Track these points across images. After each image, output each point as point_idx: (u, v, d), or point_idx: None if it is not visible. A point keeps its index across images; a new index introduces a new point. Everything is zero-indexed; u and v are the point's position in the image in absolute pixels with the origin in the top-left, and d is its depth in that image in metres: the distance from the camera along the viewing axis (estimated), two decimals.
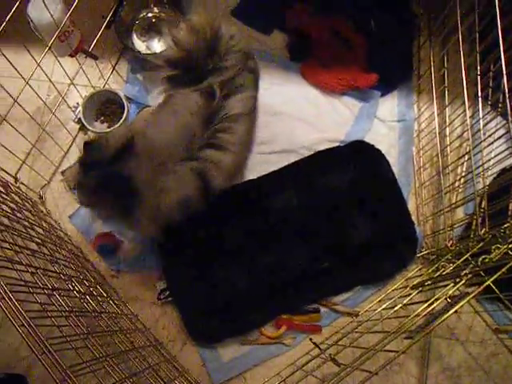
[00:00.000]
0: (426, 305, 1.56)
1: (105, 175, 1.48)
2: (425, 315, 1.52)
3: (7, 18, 1.46)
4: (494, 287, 1.63)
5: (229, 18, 2.35)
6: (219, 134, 1.59)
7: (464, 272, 1.53)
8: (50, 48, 1.73)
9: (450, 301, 1.45)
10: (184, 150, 1.55)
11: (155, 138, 1.55)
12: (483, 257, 1.52)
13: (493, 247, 1.51)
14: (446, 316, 1.28)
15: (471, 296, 1.31)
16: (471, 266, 1.55)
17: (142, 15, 2.29)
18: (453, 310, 1.28)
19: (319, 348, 1.83)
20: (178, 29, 1.68)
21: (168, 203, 1.56)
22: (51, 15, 1.67)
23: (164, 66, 1.73)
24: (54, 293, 1.33)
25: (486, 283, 1.36)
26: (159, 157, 1.52)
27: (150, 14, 2.30)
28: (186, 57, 1.66)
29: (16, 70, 1.60)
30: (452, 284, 1.53)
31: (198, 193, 1.60)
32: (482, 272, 1.51)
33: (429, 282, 1.79)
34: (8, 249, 1.30)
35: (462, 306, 1.31)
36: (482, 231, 1.67)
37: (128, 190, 1.48)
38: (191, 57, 1.65)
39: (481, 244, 1.65)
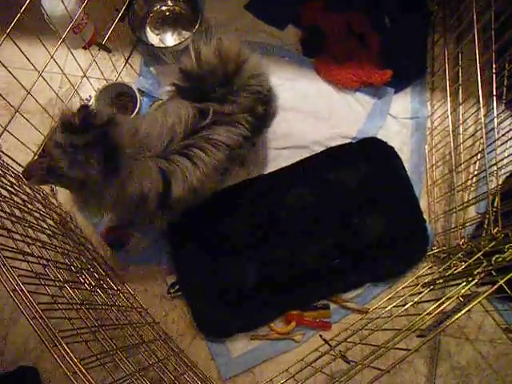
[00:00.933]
0: (437, 303, 1.55)
1: (97, 136, 1.46)
2: (436, 314, 1.51)
3: (21, 10, 1.46)
4: (505, 287, 1.61)
5: (243, 12, 2.34)
6: (196, 149, 1.59)
7: (477, 271, 1.52)
8: (63, 40, 1.72)
9: (462, 300, 1.44)
10: (160, 147, 1.55)
11: (140, 127, 1.56)
12: (496, 256, 1.51)
13: (506, 247, 1.50)
14: (458, 315, 1.27)
15: (484, 295, 1.30)
16: (484, 265, 1.54)
17: (155, 8, 2.29)
18: (465, 310, 1.27)
19: (329, 345, 1.83)
20: (205, 44, 1.69)
21: (129, 191, 1.55)
22: (65, 7, 1.67)
23: (177, 73, 1.73)
24: (65, 285, 1.33)
25: (500, 283, 1.35)
26: (138, 143, 1.53)
27: (163, 8, 2.30)
28: (199, 76, 1.65)
29: (29, 61, 1.60)
30: (464, 283, 1.52)
31: (155, 192, 1.57)
32: (493, 271, 1.50)
33: (440, 281, 1.78)
34: (20, 240, 1.30)
35: (474, 305, 1.30)
36: (495, 230, 1.65)
37: (112, 159, 1.47)
38: (205, 78, 1.64)
39: (493, 243, 1.64)
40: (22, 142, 1.79)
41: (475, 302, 1.29)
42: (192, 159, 1.58)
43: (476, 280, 1.50)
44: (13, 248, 1.23)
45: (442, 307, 1.49)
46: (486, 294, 1.29)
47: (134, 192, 1.54)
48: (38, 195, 1.82)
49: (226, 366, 1.95)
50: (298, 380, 1.83)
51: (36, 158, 1.53)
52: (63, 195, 2.09)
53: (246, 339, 1.98)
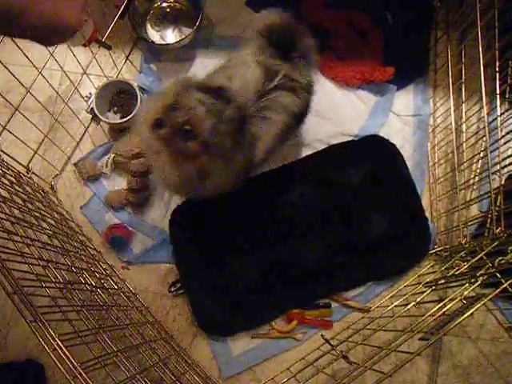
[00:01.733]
0: (440, 305, 1.55)
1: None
2: (438, 316, 1.50)
3: None
4: (509, 288, 1.60)
5: (244, 9, 2.33)
6: (268, 111, 1.62)
7: (480, 273, 1.52)
8: None
9: (465, 302, 1.44)
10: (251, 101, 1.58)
11: (239, 90, 1.56)
12: (499, 258, 1.50)
13: (509, 248, 1.49)
14: (461, 319, 1.26)
15: (487, 298, 1.29)
16: (487, 267, 1.53)
17: (156, 5, 2.28)
18: (468, 313, 1.26)
19: (330, 344, 1.82)
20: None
21: (261, 152, 1.64)
22: None
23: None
24: (66, 286, 1.33)
25: (504, 286, 1.34)
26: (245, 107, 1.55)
27: (164, 4, 2.29)
28: (284, 30, 1.75)
29: (28, 59, 1.59)
30: (467, 285, 1.52)
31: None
32: (497, 273, 1.49)
33: (442, 281, 1.77)
34: (19, 242, 1.29)
35: (477, 308, 1.29)
36: (498, 230, 1.65)
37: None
38: (287, 35, 1.73)
39: (496, 243, 1.63)
40: (21, 141, 1.78)
41: (478, 306, 1.29)
42: (266, 120, 1.61)
43: (479, 282, 1.50)
44: (12, 249, 1.23)
45: (445, 309, 1.49)
46: (490, 296, 1.29)
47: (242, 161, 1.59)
48: (38, 194, 1.81)
49: (226, 365, 1.95)
50: (299, 380, 1.83)
51: (163, 109, 1.45)
52: (63, 194, 2.08)
53: (247, 338, 1.97)
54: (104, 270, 1.83)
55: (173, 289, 1.98)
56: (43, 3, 1.01)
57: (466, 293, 1.49)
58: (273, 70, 1.63)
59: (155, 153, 1.51)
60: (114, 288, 1.78)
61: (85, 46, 1.93)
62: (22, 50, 1.54)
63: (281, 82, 1.62)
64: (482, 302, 1.30)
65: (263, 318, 1.97)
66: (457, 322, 1.27)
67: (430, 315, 1.54)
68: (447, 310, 1.49)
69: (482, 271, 1.53)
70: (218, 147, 1.45)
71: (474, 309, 1.28)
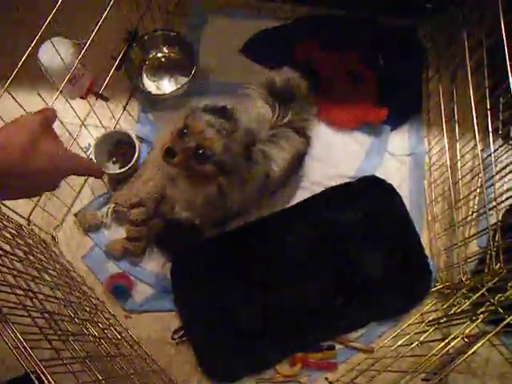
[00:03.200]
0: (442, 344, 1.55)
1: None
2: (442, 355, 1.50)
3: (19, 65, 1.48)
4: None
5: (238, 56, 2.37)
6: (279, 138, 1.77)
7: (480, 310, 1.52)
8: (60, 91, 1.74)
9: (467, 340, 1.44)
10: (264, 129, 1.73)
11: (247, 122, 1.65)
12: (499, 295, 1.51)
13: (509, 284, 1.49)
14: (463, 358, 1.26)
15: (489, 336, 1.30)
16: (487, 304, 1.53)
17: (151, 55, 2.32)
18: (470, 352, 1.26)
19: None
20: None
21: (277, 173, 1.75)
22: (62, 60, 1.69)
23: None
24: (69, 338, 1.33)
25: (505, 322, 1.34)
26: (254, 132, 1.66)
27: (159, 54, 2.33)
28: (285, 86, 1.90)
29: (27, 113, 1.61)
30: (468, 322, 1.52)
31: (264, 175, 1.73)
32: (499, 308, 1.49)
33: (444, 320, 1.77)
34: (22, 295, 1.30)
35: (479, 347, 1.29)
36: (497, 266, 1.65)
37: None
38: (289, 89, 1.88)
39: (496, 279, 1.63)
40: None
41: (479, 344, 1.29)
42: (278, 146, 1.74)
43: (480, 320, 1.50)
44: (15, 303, 1.23)
45: (448, 348, 1.49)
46: (492, 333, 1.29)
47: (260, 176, 1.68)
48: (39, 246, 1.82)
49: None
50: None
51: (174, 137, 1.50)
52: (64, 244, 2.09)
53: (251, 383, 1.95)
54: (107, 319, 1.83)
55: (176, 336, 1.97)
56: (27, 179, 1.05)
57: (467, 331, 1.49)
58: (280, 112, 1.77)
59: (172, 180, 1.60)
60: (117, 338, 1.78)
61: (83, 98, 1.97)
62: (21, 106, 1.56)
63: (288, 122, 1.77)
64: (483, 341, 1.30)
65: (267, 362, 1.95)
66: (459, 362, 1.27)
67: (433, 355, 1.54)
68: (450, 348, 1.49)
69: (482, 308, 1.53)
70: (233, 165, 1.51)
71: (476, 347, 1.29)
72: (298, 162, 1.96)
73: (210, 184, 1.54)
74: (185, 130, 1.48)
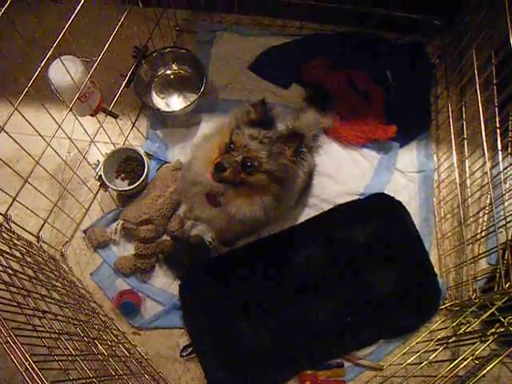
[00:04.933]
0: (452, 365, 1.53)
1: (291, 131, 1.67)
2: (451, 376, 1.49)
3: (30, 83, 1.48)
4: None
5: (247, 73, 2.38)
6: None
7: (490, 331, 1.51)
8: (70, 109, 1.74)
9: (477, 362, 1.43)
10: None
11: None
12: (510, 317, 1.49)
13: None
14: (474, 380, 1.25)
15: (501, 358, 1.28)
16: (497, 325, 1.52)
17: (160, 73, 2.33)
18: (481, 374, 1.25)
19: None
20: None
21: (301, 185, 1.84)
22: (71, 78, 1.70)
23: None
24: (77, 358, 1.33)
25: None
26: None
27: (168, 72, 2.34)
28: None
29: (37, 131, 1.60)
30: (478, 343, 1.51)
31: None
32: (510, 327, 1.48)
33: (454, 339, 1.76)
34: (31, 315, 1.30)
35: (491, 368, 1.28)
36: (507, 285, 1.64)
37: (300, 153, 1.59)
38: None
39: (505, 298, 1.62)
40: (31, 210, 1.80)
41: (490, 367, 1.28)
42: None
43: (490, 341, 1.49)
44: (23, 323, 1.23)
45: (457, 370, 1.47)
46: (503, 356, 1.28)
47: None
48: (48, 263, 1.82)
49: None
50: None
51: (221, 152, 1.58)
52: (73, 260, 2.09)
53: None
54: (115, 336, 1.83)
55: (184, 353, 1.96)
56: None
57: (477, 352, 1.48)
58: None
59: (220, 195, 1.62)
60: (126, 355, 1.77)
61: (92, 115, 1.97)
62: (30, 124, 1.56)
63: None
64: (494, 364, 1.29)
65: (276, 380, 1.94)
66: None
67: (442, 376, 1.52)
68: (460, 369, 1.48)
69: (492, 329, 1.52)
70: (282, 171, 1.56)
71: (486, 370, 1.27)
72: (308, 180, 1.97)
73: (265, 194, 1.59)
74: (231, 145, 1.54)
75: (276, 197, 1.60)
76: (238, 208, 1.60)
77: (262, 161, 1.51)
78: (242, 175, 1.53)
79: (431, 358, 1.77)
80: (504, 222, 1.73)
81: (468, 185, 2.04)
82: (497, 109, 1.81)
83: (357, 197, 2.17)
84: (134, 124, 2.29)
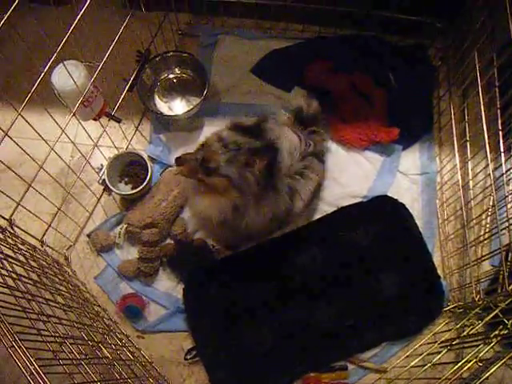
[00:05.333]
0: (456, 367, 1.53)
1: (268, 145, 1.64)
2: (454, 380, 1.49)
3: (33, 88, 1.49)
4: None
5: (249, 76, 2.39)
6: (306, 170, 1.81)
7: (494, 334, 1.51)
8: (73, 114, 1.75)
9: (480, 364, 1.42)
10: (287, 168, 1.73)
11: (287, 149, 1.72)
12: None
13: None
14: (477, 383, 1.25)
15: (504, 360, 1.28)
16: (500, 327, 1.52)
17: (163, 77, 2.34)
18: (485, 377, 1.25)
19: None
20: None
21: (300, 205, 1.80)
22: (75, 82, 1.70)
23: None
24: (82, 362, 1.33)
25: None
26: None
27: (171, 75, 2.35)
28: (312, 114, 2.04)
29: (40, 135, 1.60)
30: (482, 345, 1.51)
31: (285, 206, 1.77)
32: None
33: (457, 341, 1.76)
34: (35, 319, 1.30)
35: (494, 371, 1.28)
36: (510, 287, 1.64)
37: (271, 173, 1.62)
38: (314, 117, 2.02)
39: (509, 300, 1.62)
40: (34, 214, 1.80)
41: (494, 369, 1.28)
42: (305, 178, 1.79)
43: (493, 343, 1.48)
44: (28, 327, 1.24)
45: (461, 372, 1.47)
46: (507, 358, 1.28)
47: (282, 208, 1.73)
48: (52, 267, 1.83)
49: None
50: None
51: (195, 150, 1.65)
52: (76, 264, 2.10)
53: None
54: (119, 339, 1.83)
55: (189, 356, 1.96)
56: None
57: (481, 354, 1.48)
58: (307, 140, 1.82)
59: (192, 190, 1.71)
60: (130, 358, 1.78)
61: (95, 120, 1.98)
62: (33, 129, 1.56)
63: (313, 150, 1.83)
64: (498, 366, 1.29)
65: (280, 382, 1.95)
66: None
67: (446, 378, 1.52)
68: (464, 371, 1.48)
69: (496, 332, 1.52)
70: (242, 181, 1.56)
71: (490, 373, 1.27)
72: (318, 188, 1.97)
73: (224, 199, 1.60)
74: (202, 144, 1.61)
75: (234, 205, 1.62)
76: (198, 205, 1.68)
77: (219, 164, 1.53)
78: (200, 174, 1.57)
79: (435, 360, 1.77)
80: (507, 224, 1.72)
81: (471, 187, 2.04)
82: (499, 111, 1.81)
83: (360, 199, 2.17)
84: (137, 128, 2.29)
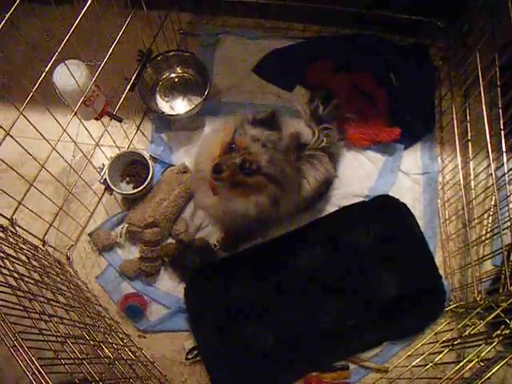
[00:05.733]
0: (457, 367, 1.53)
1: (293, 137, 1.64)
2: (457, 378, 1.49)
3: (34, 87, 1.49)
4: None
5: (251, 75, 2.39)
6: (315, 160, 1.83)
7: (495, 333, 1.51)
8: (75, 113, 1.75)
9: (482, 364, 1.42)
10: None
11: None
12: None
13: None
14: (479, 383, 1.25)
15: (506, 360, 1.28)
16: (502, 327, 1.52)
17: (164, 76, 2.34)
18: (486, 377, 1.25)
19: None
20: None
21: (308, 191, 1.80)
22: (76, 82, 1.70)
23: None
24: (84, 361, 1.33)
25: None
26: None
27: (172, 75, 2.34)
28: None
29: (41, 135, 1.60)
30: (483, 345, 1.50)
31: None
32: None
33: (459, 341, 1.76)
34: (37, 319, 1.30)
35: (496, 370, 1.28)
36: None
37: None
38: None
39: (510, 300, 1.62)
40: (36, 214, 1.80)
41: (496, 369, 1.28)
42: (312, 165, 1.79)
43: (495, 343, 1.48)
44: (29, 326, 1.24)
45: (462, 372, 1.47)
46: (508, 358, 1.28)
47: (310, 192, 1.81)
48: (54, 267, 1.83)
49: None
50: None
51: (222, 153, 1.60)
52: (78, 264, 2.10)
53: None
54: (121, 339, 1.83)
55: (190, 356, 1.96)
56: None
57: (482, 354, 1.48)
58: (320, 136, 1.84)
59: (216, 193, 1.66)
60: (131, 358, 1.78)
61: (97, 119, 1.98)
62: (35, 128, 1.56)
63: (324, 146, 1.83)
64: (499, 365, 1.29)
65: (280, 382, 1.95)
66: None
67: (448, 378, 1.52)
68: (465, 371, 1.48)
69: (497, 331, 1.51)
70: (281, 174, 1.57)
71: (491, 373, 1.27)
72: (325, 187, 1.96)
73: (261, 194, 1.60)
74: (232, 145, 1.56)
75: (272, 198, 1.62)
76: (233, 202, 1.64)
77: (261, 164, 1.53)
78: (240, 176, 1.55)
79: (436, 359, 1.77)
80: (509, 224, 1.73)
81: (472, 186, 2.04)
82: (501, 110, 1.82)
83: (361, 199, 2.17)
84: (138, 127, 2.30)
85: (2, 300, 1.24)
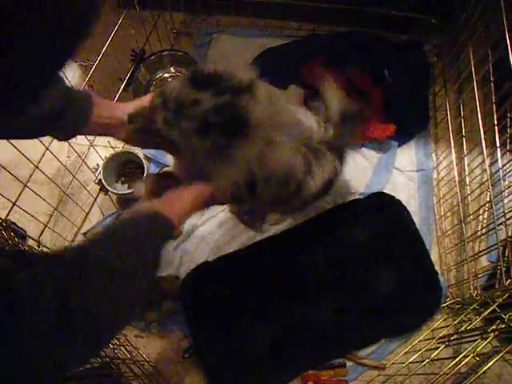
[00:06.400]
0: (453, 362, 1.53)
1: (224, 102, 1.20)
2: (452, 374, 1.49)
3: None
4: None
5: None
6: (321, 154, 1.67)
7: (491, 328, 1.51)
8: None
9: (478, 359, 1.43)
10: (300, 139, 1.59)
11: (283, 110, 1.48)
12: (510, 314, 1.49)
13: None
14: (475, 377, 1.25)
15: (501, 354, 1.28)
16: (498, 322, 1.52)
17: (158, 76, 2.33)
18: (482, 371, 1.25)
19: None
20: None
21: (277, 159, 1.42)
22: (69, 82, 1.70)
23: None
24: None
25: None
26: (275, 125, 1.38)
27: (166, 74, 2.34)
28: None
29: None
30: (479, 340, 1.51)
31: (295, 178, 1.53)
32: (510, 324, 1.48)
33: (455, 337, 1.76)
34: None
35: (492, 365, 1.28)
36: (508, 282, 1.64)
37: (239, 122, 1.23)
38: None
39: (506, 295, 1.62)
40: (31, 215, 1.80)
41: (491, 363, 1.28)
42: (318, 163, 1.63)
43: (491, 338, 1.49)
44: None
45: (458, 367, 1.48)
46: (503, 352, 1.28)
47: (282, 163, 1.45)
48: None
49: None
50: None
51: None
52: None
53: None
54: (117, 339, 1.83)
55: (186, 355, 1.96)
56: None
57: (478, 349, 1.48)
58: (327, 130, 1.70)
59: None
60: (128, 357, 1.78)
61: None
62: None
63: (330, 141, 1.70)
64: (495, 360, 1.29)
65: (277, 380, 1.95)
66: (470, 382, 1.26)
67: (444, 373, 1.52)
68: (462, 366, 1.48)
69: (493, 326, 1.52)
70: (183, 139, 1.24)
71: (487, 366, 1.27)
72: (329, 186, 1.92)
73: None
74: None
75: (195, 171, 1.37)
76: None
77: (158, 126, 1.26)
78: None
79: (433, 355, 1.78)
80: (504, 219, 1.73)
81: (467, 182, 2.05)
82: (494, 106, 1.82)
83: (356, 196, 2.18)
84: None
85: None
